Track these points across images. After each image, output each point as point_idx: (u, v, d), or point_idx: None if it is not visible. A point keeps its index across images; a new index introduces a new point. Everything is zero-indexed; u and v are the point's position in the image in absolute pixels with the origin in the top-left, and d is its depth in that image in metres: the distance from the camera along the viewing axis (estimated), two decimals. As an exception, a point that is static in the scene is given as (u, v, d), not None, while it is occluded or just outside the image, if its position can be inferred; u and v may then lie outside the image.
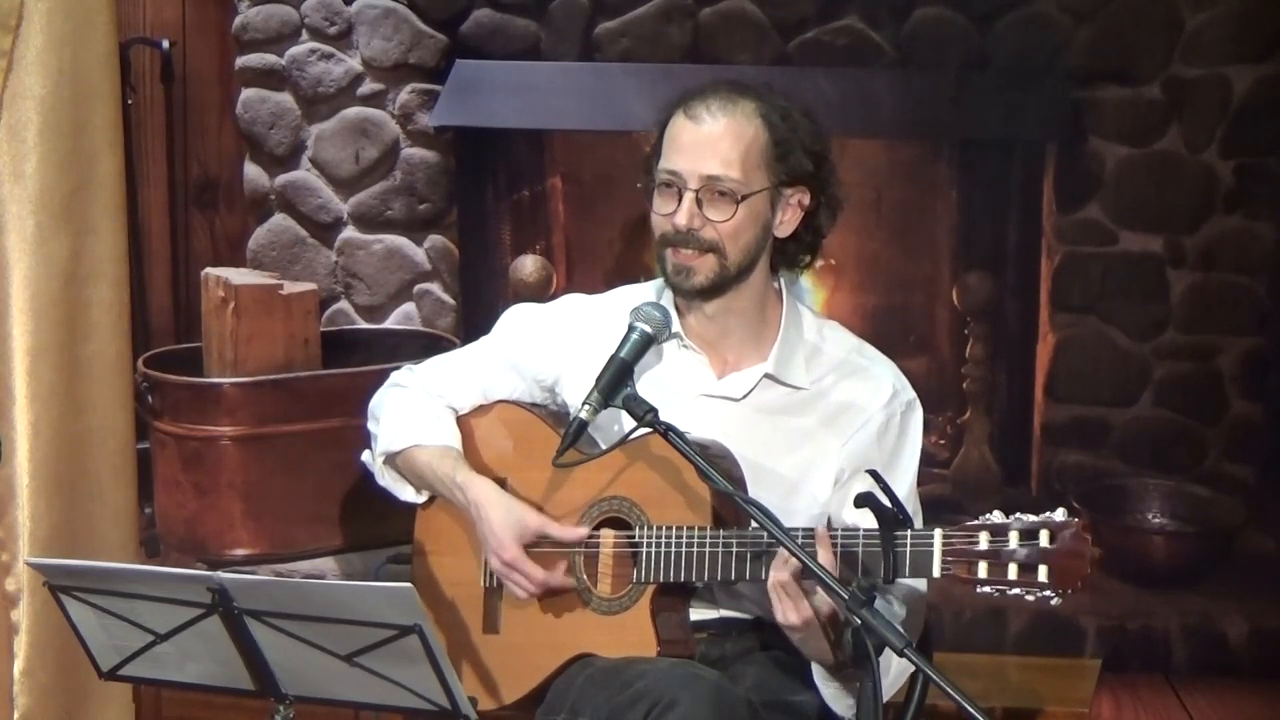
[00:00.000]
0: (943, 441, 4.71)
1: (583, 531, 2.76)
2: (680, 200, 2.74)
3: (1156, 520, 4.54)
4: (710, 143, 2.73)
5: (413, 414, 2.93)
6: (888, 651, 2.42)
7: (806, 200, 2.80)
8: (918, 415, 2.84)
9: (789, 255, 2.85)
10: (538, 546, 2.78)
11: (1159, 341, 4.53)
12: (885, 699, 2.59)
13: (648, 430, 2.64)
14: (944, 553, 2.48)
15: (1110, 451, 4.57)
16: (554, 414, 2.92)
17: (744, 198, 2.73)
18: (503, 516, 2.78)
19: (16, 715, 3.41)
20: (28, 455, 3.37)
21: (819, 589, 2.49)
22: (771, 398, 2.82)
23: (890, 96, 4.52)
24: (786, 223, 2.80)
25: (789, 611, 2.54)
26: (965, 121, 4.52)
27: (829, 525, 2.67)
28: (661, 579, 2.68)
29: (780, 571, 2.54)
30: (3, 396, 3.36)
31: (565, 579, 2.77)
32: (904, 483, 2.78)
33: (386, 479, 2.98)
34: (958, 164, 4.74)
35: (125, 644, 2.57)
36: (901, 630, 2.45)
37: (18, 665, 3.41)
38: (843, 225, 2.93)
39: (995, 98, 4.49)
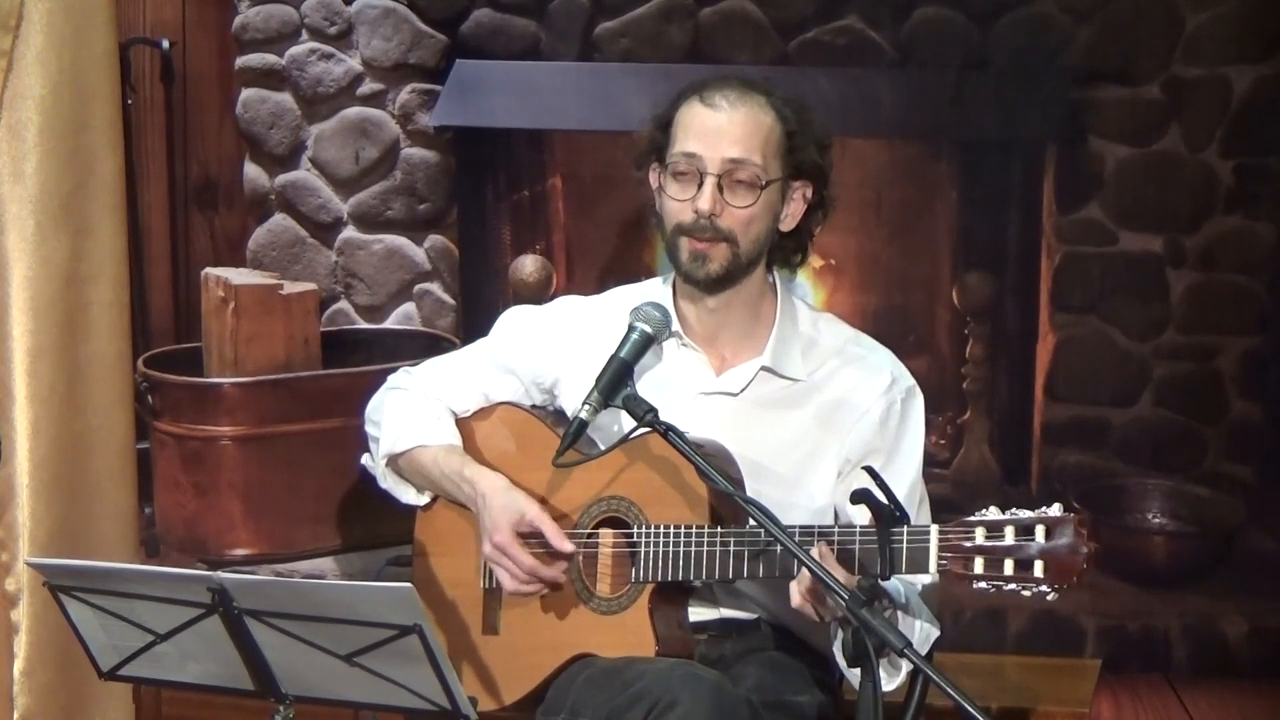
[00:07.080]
0: (943, 441, 4.70)
1: (570, 546, 2.75)
2: (701, 185, 2.74)
3: (1156, 520, 4.54)
4: (730, 128, 2.74)
5: (414, 415, 2.93)
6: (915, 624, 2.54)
7: (810, 194, 2.81)
8: (918, 402, 2.84)
9: (784, 252, 2.86)
10: (532, 541, 2.78)
11: (1159, 341, 4.53)
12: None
13: (647, 430, 2.65)
14: (940, 549, 2.48)
15: (1110, 451, 4.57)
16: (554, 415, 2.92)
17: (766, 184, 2.74)
18: (504, 503, 2.78)
19: (16, 715, 3.40)
20: (28, 455, 3.36)
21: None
22: (769, 391, 2.82)
23: (890, 96, 4.52)
24: (791, 216, 2.81)
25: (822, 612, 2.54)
26: (965, 121, 4.52)
27: (835, 519, 2.67)
28: (659, 578, 2.68)
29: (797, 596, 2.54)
30: (3, 396, 3.35)
31: (557, 572, 2.76)
32: (910, 469, 2.78)
33: (389, 481, 2.98)
34: (958, 164, 4.73)
35: (125, 644, 2.57)
36: (925, 625, 2.56)
37: (18, 665, 3.40)
38: (843, 225, 2.94)
39: (995, 98, 4.49)
